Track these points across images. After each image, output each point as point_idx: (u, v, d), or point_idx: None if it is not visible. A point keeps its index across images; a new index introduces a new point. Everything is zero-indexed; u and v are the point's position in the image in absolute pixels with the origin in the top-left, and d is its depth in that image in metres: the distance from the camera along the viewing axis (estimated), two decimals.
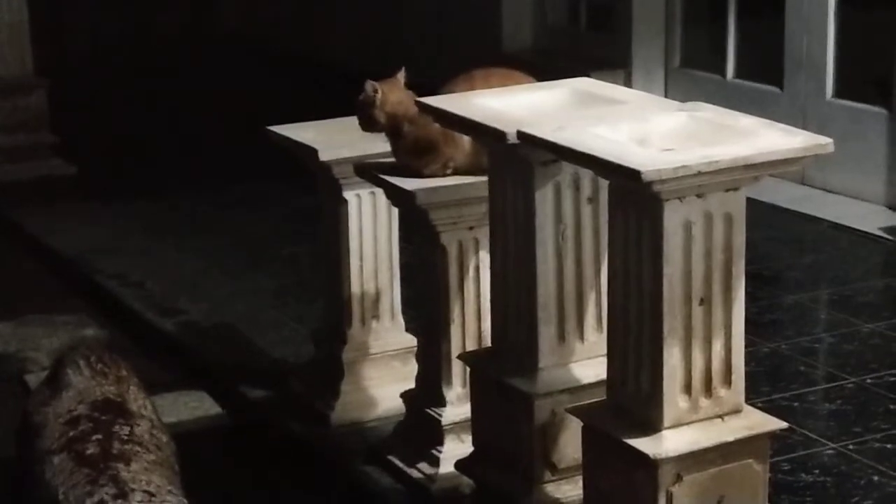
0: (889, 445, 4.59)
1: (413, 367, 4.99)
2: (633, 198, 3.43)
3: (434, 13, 9.81)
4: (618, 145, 3.42)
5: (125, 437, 4.14)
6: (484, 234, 4.39)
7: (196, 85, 10.20)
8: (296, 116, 5.09)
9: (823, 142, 3.45)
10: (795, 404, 4.90)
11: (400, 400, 4.84)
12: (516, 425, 3.95)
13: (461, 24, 9.54)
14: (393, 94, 4.38)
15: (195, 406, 5.24)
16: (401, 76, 4.41)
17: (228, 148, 8.55)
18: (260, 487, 4.69)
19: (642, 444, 3.47)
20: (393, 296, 5.03)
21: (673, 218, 3.38)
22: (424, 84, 4.32)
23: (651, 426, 3.49)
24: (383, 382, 4.99)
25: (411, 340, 5.02)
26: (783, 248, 6.57)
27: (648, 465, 3.45)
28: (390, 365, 5.02)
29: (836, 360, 5.30)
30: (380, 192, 4.88)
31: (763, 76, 7.82)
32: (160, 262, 6.67)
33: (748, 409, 3.61)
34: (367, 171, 4.50)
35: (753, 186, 3.47)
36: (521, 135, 3.60)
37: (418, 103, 4.07)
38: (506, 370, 3.96)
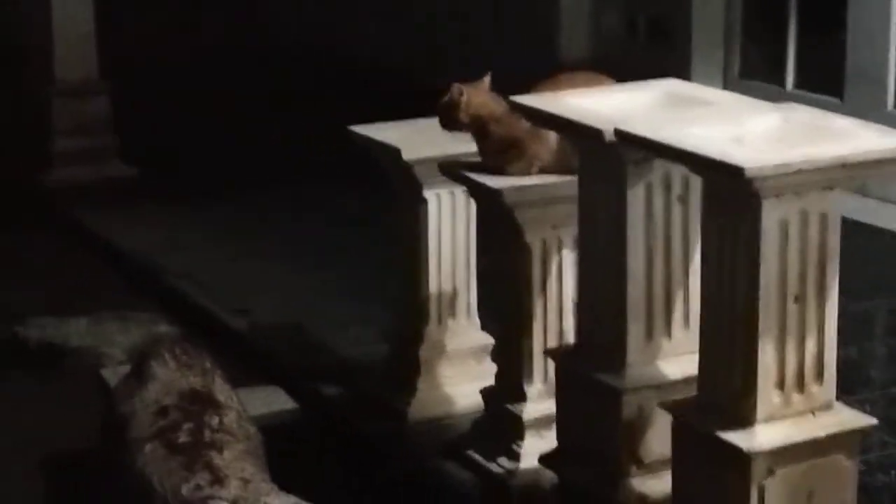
0: None
1: (488, 366, 5.06)
2: (730, 196, 3.48)
3: (491, 23, 9.88)
4: (717, 143, 3.48)
5: (216, 427, 4.22)
6: (567, 234, 4.47)
7: (248, 88, 10.28)
8: (355, 119, 5.16)
9: None
10: (867, 407, 4.93)
11: (475, 397, 4.91)
12: (603, 420, 4.00)
13: (518, 34, 9.61)
14: (477, 96, 4.46)
15: (270, 401, 5.30)
16: (486, 80, 4.48)
17: (287, 149, 8.64)
18: (338, 482, 4.75)
19: (736, 438, 3.52)
20: (469, 295, 5.09)
21: (770, 216, 3.43)
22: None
23: (744, 421, 3.54)
24: (459, 380, 5.05)
25: (487, 339, 5.08)
26: (845, 258, 6.59)
27: (741, 459, 3.51)
28: (466, 363, 5.08)
29: None
30: (459, 191, 4.96)
31: (823, 87, 7.86)
32: (226, 261, 6.75)
33: (838, 405, 3.66)
34: (452, 169, 4.57)
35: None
36: (618, 133, 3.66)
37: (511, 102, 4.14)
38: (593, 366, 4.02)
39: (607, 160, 3.85)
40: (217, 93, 10.07)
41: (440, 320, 5.06)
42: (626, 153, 3.79)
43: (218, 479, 3.86)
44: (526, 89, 4.33)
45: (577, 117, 3.83)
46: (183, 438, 4.13)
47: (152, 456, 4.11)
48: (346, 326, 5.87)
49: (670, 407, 3.75)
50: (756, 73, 8.41)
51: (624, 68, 9.01)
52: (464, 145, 4.65)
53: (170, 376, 4.57)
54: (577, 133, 3.87)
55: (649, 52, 8.94)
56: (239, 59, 11.00)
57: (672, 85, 4.23)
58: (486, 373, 5.02)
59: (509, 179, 4.37)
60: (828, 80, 7.81)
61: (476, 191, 4.46)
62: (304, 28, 11.55)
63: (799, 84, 8.10)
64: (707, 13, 8.40)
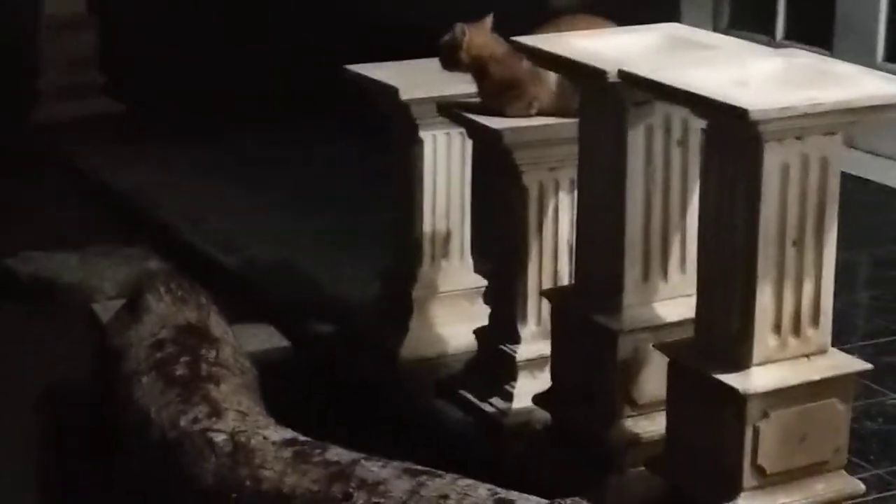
0: None
1: (480, 307, 5.10)
2: (732, 139, 3.50)
3: None
4: (721, 86, 3.49)
5: (212, 360, 4.24)
6: (564, 176, 4.48)
7: (242, 25, 10.22)
8: (348, 60, 5.16)
9: None
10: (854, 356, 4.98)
11: (467, 338, 4.95)
12: (598, 361, 4.03)
13: None
14: (479, 36, 4.46)
15: (263, 339, 5.32)
16: (488, 20, 4.48)
17: (279, 90, 8.62)
18: (331, 420, 4.78)
19: (731, 379, 3.56)
20: (463, 236, 5.11)
21: (772, 159, 3.45)
22: None
23: (740, 363, 3.58)
24: (451, 321, 5.08)
25: (479, 280, 5.11)
26: None
27: (737, 400, 3.54)
28: (458, 304, 5.11)
29: (892, 315, 5.38)
30: (455, 132, 4.97)
31: (812, 38, 7.86)
32: (218, 200, 6.76)
33: (833, 350, 3.69)
34: (450, 109, 4.57)
35: None
36: (621, 73, 3.67)
37: (513, 43, 4.14)
38: (590, 307, 4.04)
39: (609, 101, 3.86)
40: (209, 29, 10.02)
41: (433, 261, 5.08)
42: (628, 94, 3.80)
43: (216, 412, 3.88)
44: (517, 34, 4.34)
45: (580, 58, 3.84)
46: (180, 371, 4.15)
47: (149, 388, 4.13)
48: (339, 266, 5.89)
49: (666, 348, 3.79)
50: (745, 24, 8.40)
51: (612, 17, 9.04)
52: (461, 86, 4.66)
53: (165, 310, 4.59)
54: (579, 73, 3.87)
55: (637, 1, 8.92)
56: None
57: (673, 29, 4.24)
58: (479, 314, 5.06)
59: (508, 120, 4.38)
60: (817, 32, 7.81)
61: (474, 131, 4.47)
62: None
63: (788, 35, 8.10)
64: None
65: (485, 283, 5.10)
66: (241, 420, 3.83)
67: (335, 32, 9.72)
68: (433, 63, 5.04)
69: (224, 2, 10.68)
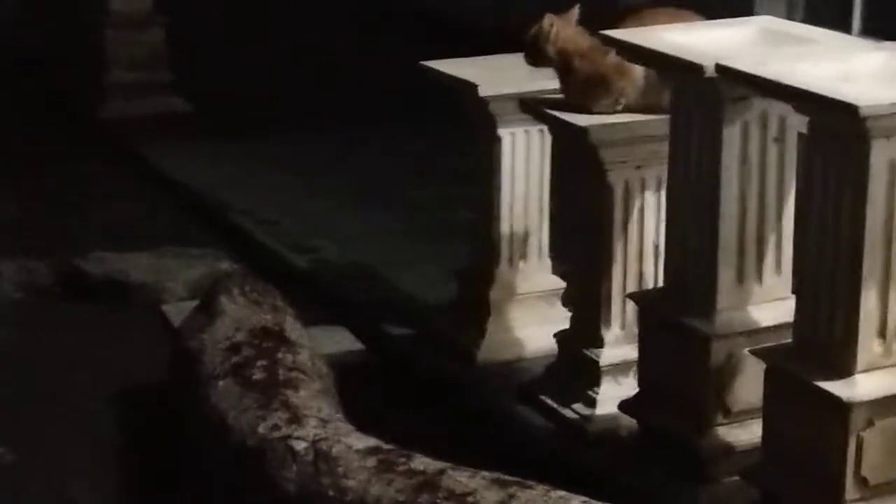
0: None
1: (559, 310, 4.97)
2: (836, 136, 3.35)
3: None
4: (826, 81, 3.35)
5: (290, 365, 4.13)
6: (650, 174, 4.34)
7: (309, 27, 10.13)
8: (420, 58, 5.04)
9: None
10: None
11: (545, 341, 4.82)
12: (690, 367, 3.89)
13: None
14: (566, 29, 4.33)
15: (338, 341, 5.20)
16: (574, 12, 4.35)
17: (347, 90, 8.51)
18: (409, 425, 4.65)
19: (835, 387, 3.41)
20: (541, 237, 4.98)
21: (879, 157, 3.30)
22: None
23: (843, 370, 3.43)
24: (529, 323, 4.95)
25: (557, 282, 4.98)
26: None
27: (841, 409, 3.39)
28: (536, 306, 4.98)
29: None
30: (534, 130, 4.84)
31: (890, 34, 7.65)
32: (289, 200, 6.65)
33: None
34: (534, 106, 4.44)
35: None
36: (719, 68, 3.53)
37: (603, 37, 4.01)
38: (682, 310, 3.90)
39: (705, 97, 3.72)
40: (278, 28, 9.93)
41: (511, 262, 4.96)
42: (725, 90, 3.66)
43: (296, 419, 3.76)
44: (592, 26, 4.22)
45: (674, 52, 3.70)
46: (257, 375, 4.04)
47: (226, 392, 4.02)
48: (412, 265, 5.77)
49: (764, 353, 3.64)
50: (820, 18, 8.21)
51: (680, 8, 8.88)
52: (541, 82, 4.53)
53: (240, 312, 4.48)
54: (674, 68, 3.73)
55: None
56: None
57: (767, 21, 4.10)
58: (557, 316, 4.93)
59: (593, 117, 4.25)
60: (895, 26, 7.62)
61: (559, 129, 4.34)
62: None
63: (865, 30, 7.90)
64: None
65: (563, 284, 4.97)
66: (321, 427, 3.71)
67: (401, 28, 9.60)
68: (511, 59, 4.93)
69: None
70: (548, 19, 4.28)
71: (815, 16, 8.22)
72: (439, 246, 5.92)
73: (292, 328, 4.43)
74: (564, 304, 4.94)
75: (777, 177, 3.84)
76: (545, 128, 4.82)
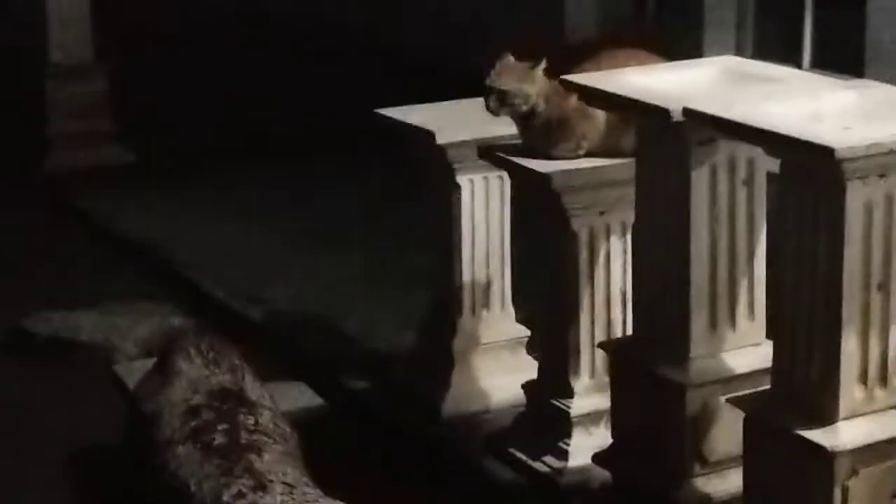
0: None
1: (523, 358, 4.87)
2: (810, 178, 3.27)
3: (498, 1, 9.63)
4: (797, 121, 3.27)
5: (251, 428, 3.99)
6: (615, 220, 4.25)
7: (242, 68, 9.98)
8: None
9: None
10: None
11: (511, 391, 4.73)
12: (665, 417, 3.79)
13: (524, 14, 9.36)
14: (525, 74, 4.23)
15: (296, 397, 5.07)
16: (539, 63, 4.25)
17: (290, 127, 8.38)
18: (378, 483, 4.52)
19: (817, 435, 3.32)
20: (504, 284, 4.87)
21: (855, 199, 3.23)
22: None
23: (825, 417, 3.34)
24: (494, 373, 4.84)
25: (521, 330, 4.88)
26: None
27: (824, 457, 3.30)
28: (500, 355, 4.87)
29: None
30: (492, 176, 4.74)
31: (841, 67, 7.64)
32: (239, 248, 6.51)
33: None
34: (493, 153, 4.34)
35: None
36: (686, 111, 3.44)
37: (565, 82, 3.91)
38: (655, 359, 3.81)
39: (672, 141, 3.63)
40: (215, 70, 9.79)
41: (474, 311, 4.84)
42: (692, 133, 3.58)
43: (261, 485, 3.63)
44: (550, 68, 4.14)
45: (640, 96, 3.61)
46: (218, 440, 3.90)
47: (187, 458, 3.88)
48: (369, 314, 5.65)
49: (743, 402, 3.54)
50: (770, 54, 8.18)
51: (633, 45, 8.84)
52: (499, 128, 4.44)
53: (197, 373, 4.34)
54: (640, 112, 3.64)
55: (659, 29, 8.73)
56: (237, 35, 10.70)
57: (729, 62, 4.03)
58: (522, 365, 4.83)
59: (556, 163, 4.16)
60: (846, 60, 7.59)
61: (522, 175, 4.23)
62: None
63: (816, 63, 7.88)
64: None
65: (527, 332, 4.87)
66: (288, 494, 3.58)
67: (352, 68, 9.49)
68: (467, 104, 4.85)
69: (234, 47, 10.50)
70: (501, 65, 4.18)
71: (765, 51, 8.20)
72: (396, 293, 5.81)
73: (252, 388, 4.30)
74: (529, 353, 4.84)
75: (747, 220, 3.75)
76: (504, 174, 4.72)
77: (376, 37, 10.09)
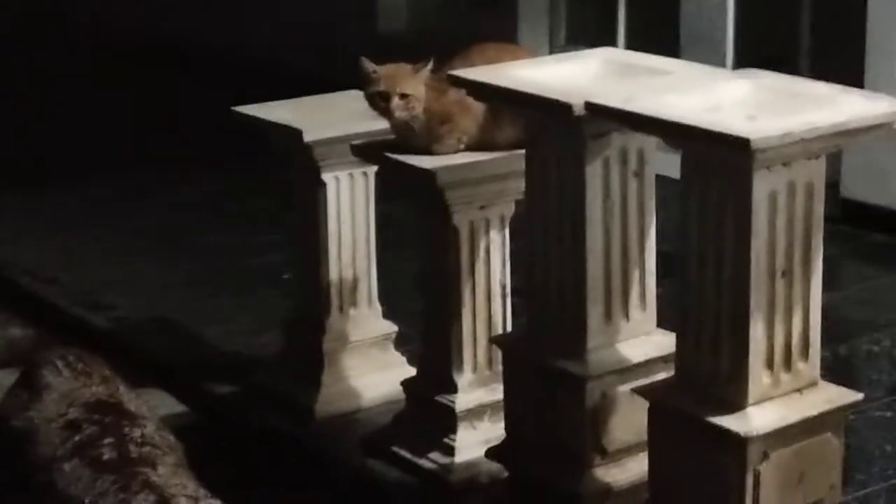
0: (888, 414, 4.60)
1: (393, 355, 4.84)
2: (714, 168, 3.31)
3: None
4: (701, 113, 3.30)
5: (139, 441, 3.83)
6: (494, 214, 4.25)
7: (85, 72, 9.65)
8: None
9: None
10: None
11: (382, 388, 4.72)
12: (563, 409, 3.80)
13: (335, 6, 9.28)
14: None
15: (155, 405, 4.91)
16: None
17: (118, 133, 8.14)
18: (253, 487, 4.43)
19: (729, 422, 3.36)
20: (370, 282, 4.83)
21: (761, 188, 3.27)
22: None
23: (734, 404, 3.38)
24: (364, 371, 4.79)
25: (390, 327, 4.84)
26: None
27: (737, 444, 3.35)
28: (369, 353, 4.82)
29: None
30: (357, 173, 4.69)
31: (657, 51, 7.75)
32: (77, 254, 6.29)
33: (823, 382, 3.53)
34: (368, 151, 4.28)
35: None
36: (589, 106, 3.45)
37: (451, 77, 3.88)
38: (551, 353, 3.81)
39: (566, 136, 3.63)
40: (34, 76, 9.45)
41: (342, 309, 4.78)
42: (588, 127, 3.58)
43: (163, 499, 3.49)
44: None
45: (537, 91, 3.60)
46: (107, 455, 3.73)
47: (74, 476, 3.70)
48: (220, 317, 5.53)
49: (648, 392, 3.57)
50: (584, 38, 8.29)
51: (446, 38, 8.86)
52: (365, 123, 4.39)
53: (68, 385, 4.15)
54: (538, 107, 3.62)
55: (471, 20, 8.75)
56: (53, 41, 10.33)
57: (610, 53, 4.05)
58: (392, 362, 4.81)
59: (437, 159, 4.12)
60: (662, 44, 7.70)
61: (403, 172, 4.18)
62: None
63: (630, 47, 7.99)
64: None
65: (395, 329, 4.83)
66: None
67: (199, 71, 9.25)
68: (328, 99, 4.79)
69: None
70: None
71: (577, 36, 8.31)
72: (246, 294, 5.70)
73: (129, 398, 4.13)
74: (398, 349, 4.82)
75: (638, 211, 3.78)
76: (369, 170, 4.68)
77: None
